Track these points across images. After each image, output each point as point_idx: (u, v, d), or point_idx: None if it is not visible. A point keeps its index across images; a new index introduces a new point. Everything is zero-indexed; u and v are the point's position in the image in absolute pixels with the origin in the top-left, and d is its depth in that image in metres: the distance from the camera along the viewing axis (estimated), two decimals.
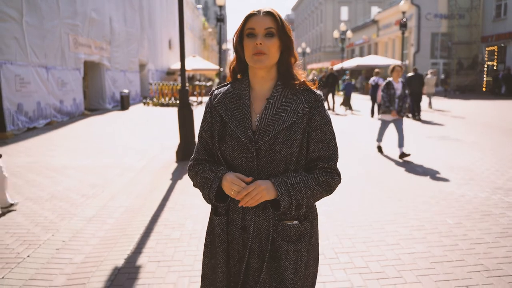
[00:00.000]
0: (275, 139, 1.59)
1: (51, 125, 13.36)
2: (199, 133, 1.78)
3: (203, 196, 1.69)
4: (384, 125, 8.27)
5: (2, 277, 3.40)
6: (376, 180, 6.39)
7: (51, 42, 13.76)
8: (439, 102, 21.89)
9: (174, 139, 9.38)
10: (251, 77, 1.71)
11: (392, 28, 35.76)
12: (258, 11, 1.64)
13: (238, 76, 1.76)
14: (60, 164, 7.71)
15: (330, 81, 17.81)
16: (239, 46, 1.68)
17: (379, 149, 8.57)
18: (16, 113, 11.45)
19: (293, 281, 1.61)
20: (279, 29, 1.62)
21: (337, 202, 5.16)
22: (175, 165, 7.50)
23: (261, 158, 1.60)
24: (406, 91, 8.01)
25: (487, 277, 3.23)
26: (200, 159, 1.75)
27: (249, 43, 1.61)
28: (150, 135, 11.31)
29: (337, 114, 17.01)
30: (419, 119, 14.54)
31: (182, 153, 7.73)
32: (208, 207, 4.87)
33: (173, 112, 16.92)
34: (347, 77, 19.66)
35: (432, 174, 6.65)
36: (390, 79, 8.06)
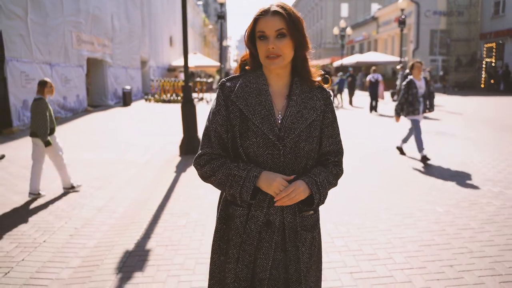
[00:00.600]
0: (299, 137, 1.64)
1: (56, 121, 13.59)
2: (211, 127, 1.71)
3: (229, 193, 1.68)
4: (418, 127, 7.24)
5: (22, 259, 3.67)
6: (371, 173, 6.66)
7: (55, 40, 14.02)
8: (437, 98, 22.12)
9: (176, 135, 9.64)
10: (267, 73, 1.72)
11: (391, 25, 35.94)
12: (266, 11, 1.62)
13: (246, 68, 1.78)
14: (66, 158, 7.97)
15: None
16: (251, 46, 1.69)
17: (424, 159, 7.14)
18: (22, 109, 11.72)
19: (308, 264, 1.72)
20: (289, 27, 1.61)
21: (336, 192, 5.44)
22: (178, 159, 7.76)
23: (286, 154, 1.63)
24: (431, 88, 7.32)
25: (470, 257, 3.51)
26: (215, 153, 1.70)
27: (262, 46, 1.62)
28: (153, 130, 11.57)
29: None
30: None
31: (186, 147, 7.99)
32: (212, 197, 5.16)
33: (174, 108, 17.20)
34: (349, 73, 20.00)
35: (426, 167, 6.91)
36: (410, 77, 7.25)
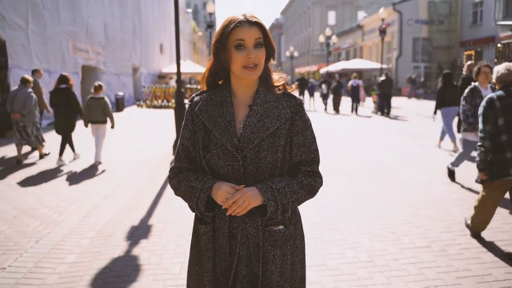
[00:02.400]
0: (260, 146, 1.61)
1: (52, 125, 14.33)
2: (180, 141, 1.74)
3: (189, 205, 1.70)
4: (468, 147, 6.00)
5: (48, 232, 4.49)
6: (347, 171, 7.55)
7: (52, 48, 14.79)
8: (418, 103, 23.22)
9: (168, 137, 10.46)
10: (234, 84, 1.70)
11: (376, 33, 37.07)
12: (243, 21, 1.60)
13: (219, 82, 1.77)
14: (64, 159, 8.77)
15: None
16: (222, 54, 1.64)
17: (451, 174, 6.39)
18: None
19: (279, 284, 1.66)
20: (265, 37, 1.63)
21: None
22: (172, 157, 8.60)
23: (247, 165, 1.61)
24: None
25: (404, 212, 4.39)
26: (182, 167, 1.73)
27: (239, 56, 1.59)
28: (147, 133, 12.38)
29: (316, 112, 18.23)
30: (388, 115, 17.04)
31: None
32: None
33: (165, 113, 18.04)
34: (334, 80, 21.18)
35: (396, 165, 7.83)
36: (476, 84, 5.89)
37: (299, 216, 1.81)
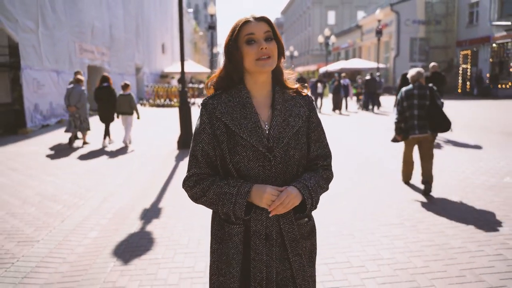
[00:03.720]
0: (288, 145, 1.64)
1: (61, 123, 14.99)
2: (197, 147, 1.68)
3: (222, 211, 1.64)
4: None
5: (71, 214, 5.12)
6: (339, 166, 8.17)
7: (60, 49, 15.43)
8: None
9: (173, 134, 11.08)
10: (250, 84, 1.70)
11: (374, 33, 37.67)
12: (251, 18, 1.65)
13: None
14: (76, 153, 9.41)
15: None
16: (235, 54, 1.64)
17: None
18: (34, 112, 13.11)
19: (311, 273, 1.76)
20: (274, 33, 1.66)
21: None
22: (177, 151, 9.23)
23: (277, 164, 1.63)
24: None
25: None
26: (203, 173, 1.69)
27: (251, 50, 1.61)
28: (152, 130, 13.01)
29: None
30: (372, 111, 18.92)
31: (183, 143, 9.45)
32: None
33: (168, 112, 18.68)
34: (334, 79, 21.84)
35: (382, 159, 8.45)
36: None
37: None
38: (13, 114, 13.30)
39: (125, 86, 10.37)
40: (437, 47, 33.15)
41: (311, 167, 1.75)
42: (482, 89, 28.32)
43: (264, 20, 1.65)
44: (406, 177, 6.25)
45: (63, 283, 3.42)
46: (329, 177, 1.78)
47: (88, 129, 10.21)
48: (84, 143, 10.35)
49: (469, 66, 31.08)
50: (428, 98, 5.69)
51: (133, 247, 4.09)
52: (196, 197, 1.68)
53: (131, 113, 10.19)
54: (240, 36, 1.63)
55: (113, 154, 9.11)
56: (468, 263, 3.56)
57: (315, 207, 1.69)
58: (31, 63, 13.03)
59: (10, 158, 8.72)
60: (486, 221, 4.59)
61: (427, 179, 5.72)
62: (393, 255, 3.79)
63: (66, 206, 5.47)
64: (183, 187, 1.72)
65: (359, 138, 11.21)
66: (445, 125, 5.71)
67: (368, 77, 19.40)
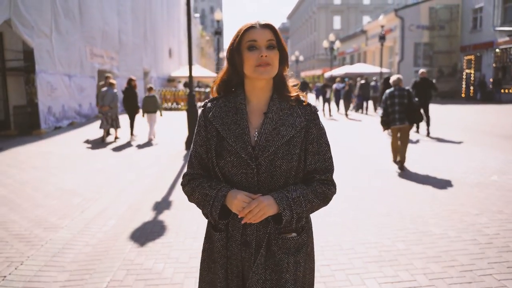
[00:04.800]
0: (275, 155, 1.60)
1: (72, 125, 15.54)
2: (192, 148, 1.74)
3: (203, 213, 1.69)
4: None
5: (89, 206, 5.61)
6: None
7: (72, 54, 16.00)
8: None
9: (180, 135, 11.58)
10: (249, 90, 1.70)
11: (378, 38, 38.13)
12: (256, 24, 1.64)
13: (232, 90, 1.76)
14: (89, 152, 9.93)
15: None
16: (236, 58, 1.65)
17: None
18: (47, 114, 13.67)
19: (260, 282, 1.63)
20: (278, 41, 1.64)
21: None
22: (184, 151, 9.72)
23: (261, 173, 1.60)
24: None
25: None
26: (195, 173, 1.73)
27: (252, 56, 1.61)
28: (160, 132, 13.50)
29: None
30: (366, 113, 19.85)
31: (190, 143, 9.94)
32: None
33: (175, 115, 19.18)
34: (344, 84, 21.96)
35: (378, 156, 8.90)
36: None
37: (311, 223, 1.80)
38: (27, 116, 13.88)
39: (150, 89, 12.39)
40: (441, 52, 33.48)
41: (308, 180, 1.70)
42: (485, 94, 28.64)
43: (268, 27, 1.64)
44: (394, 158, 7.94)
45: (88, 261, 3.90)
46: (324, 192, 1.68)
47: (119, 126, 11.73)
48: (116, 138, 11.79)
49: (472, 71, 31.39)
50: (406, 98, 7.46)
51: (147, 233, 4.57)
52: (187, 195, 1.74)
53: (155, 111, 11.78)
54: (242, 42, 1.63)
55: (127, 153, 9.61)
56: (446, 246, 4.01)
57: (298, 221, 1.64)
58: (45, 67, 13.60)
59: (29, 157, 9.25)
60: (466, 213, 5.03)
61: (402, 159, 7.56)
62: (380, 240, 4.23)
63: (85, 199, 5.96)
64: (180, 184, 1.79)
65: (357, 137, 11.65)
66: (418, 118, 7.59)
67: (362, 81, 20.44)
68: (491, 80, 28.93)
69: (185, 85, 16.84)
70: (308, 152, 1.68)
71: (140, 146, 10.70)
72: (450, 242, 4.12)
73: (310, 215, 1.78)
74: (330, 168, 1.72)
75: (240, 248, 1.66)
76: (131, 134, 12.04)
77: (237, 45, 1.64)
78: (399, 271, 3.54)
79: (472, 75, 31.34)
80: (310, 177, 1.70)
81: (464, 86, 32.05)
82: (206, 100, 1.77)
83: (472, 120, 16.31)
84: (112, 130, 12.02)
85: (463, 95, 31.87)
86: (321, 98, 21.43)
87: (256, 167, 1.60)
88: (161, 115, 12.20)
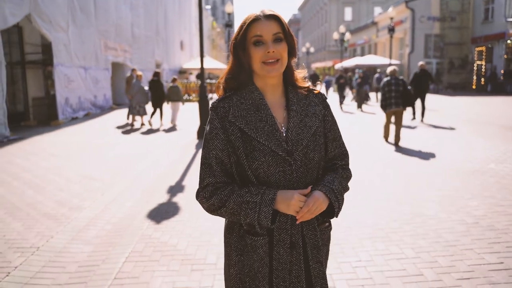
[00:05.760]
0: (307, 147, 1.57)
1: (88, 116, 16.08)
2: (210, 154, 1.58)
3: (245, 222, 1.53)
4: None
5: (102, 194, 6.06)
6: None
7: (87, 47, 16.51)
8: (428, 98, 24.36)
9: (193, 125, 12.02)
10: (261, 86, 1.62)
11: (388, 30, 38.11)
12: (260, 15, 1.55)
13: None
14: (105, 141, 10.41)
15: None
16: (242, 54, 1.58)
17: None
18: (65, 105, 14.21)
19: (326, 278, 1.67)
20: (284, 32, 1.56)
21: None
22: (196, 141, 10.16)
23: (297, 168, 1.56)
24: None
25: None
26: (219, 182, 1.58)
27: (258, 52, 1.54)
28: (163, 123, 13.97)
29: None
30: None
31: (202, 133, 10.36)
32: None
33: (187, 106, 19.60)
34: (357, 75, 21.85)
35: (377, 144, 9.24)
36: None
37: None
38: (45, 107, 14.43)
39: (174, 80, 13.93)
40: (452, 44, 33.39)
41: (330, 167, 1.70)
42: (496, 86, 28.61)
43: (274, 18, 1.56)
44: (386, 136, 9.55)
45: (110, 236, 4.35)
46: (348, 176, 1.72)
47: (145, 113, 13.00)
48: (142, 124, 13.10)
49: (483, 63, 31.33)
50: (401, 86, 8.90)
51: (162, 212, 5.00)
52: (213, 209, 1.58)
53: (179, 100, 13.25)
54: (247, 36, 1.55)
55: (143, 141, 10.08)
56: (435, 226, 4.38)
57: (340, 210, 1.64)
58: (62, 60, 14.11)
59: (49, 145, 9.76)
60: (459, 197, 5.38)
61: (397, 138, 9.06)
62: (375, 220, 4.61)
63: (104, 183, 6.42)
64: (197, 199, 1.62)
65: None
66: (411, 102, 9.40)
67: (356, 75, 20.91)
68: (502, 71, 28.89)
69: (197, 76, 17.28)
70: (328, 140, 1.68)
71: (156, 135, 11.17)
72: (439, 222, 4.48)
73: None
74: (346, 153, 1.76)
75: (289, 252, 1.57)
76: (161, 120, 13.38)
77: (241, 39, 1.57)
78: (390, 246, 3.92)
79: (483, 67, 31.28)
80: (331, 164, 1.71)
81: (475, 77, 32.00)
82: (215, 101, 1.65)
83: (479, 111, 16.49)
84: (137, 117, 13.33)
85: (474, 86, 31.84)
86: (331, 89, 21.74)
87: (293, 162, 1.55)
88: (183, 103, 13.51)
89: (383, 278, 3.30)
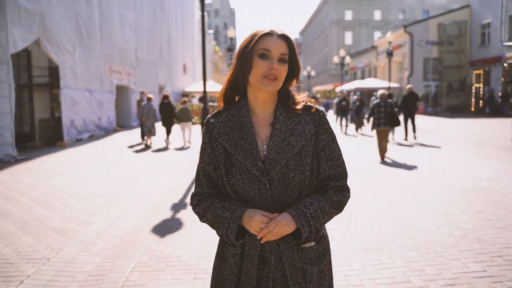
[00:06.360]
0: (287, 167, 1.54)
1: (92, 138, 16.42)
2: (199, 166, 1.67)
3: (218, 234, 1.63)
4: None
5: (108, 210, 6.31)
6: None
7: (93, 70, 16.99)
8: (427, 120, 24.73)
9: (195, 146, 12.32)
10: (252, 101, 1.64)
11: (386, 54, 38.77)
12: (274, 31, 1.59)
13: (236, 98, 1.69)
14: (113, 161, 10.70)
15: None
16: (245, 61, 1.58)
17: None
18: (70, 127, 14.56)
19: None
20: (290, 54, 1.60)
21: None
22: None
23: (274, 188, 1.55)
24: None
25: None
26: (205, 193, 1.67)
27: (262, 65, 1.55)
28: (177, 142, 14.28)
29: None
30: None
31: None
32: None
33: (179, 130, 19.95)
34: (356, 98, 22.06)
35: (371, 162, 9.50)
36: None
37: (326, 229, 1.76)
38: (51, 128, 14.79)
39: (184, 102, 15.02)
40: (450, 67, 33.96)
41: (322, 188, 1.65)
42: (494, 108, 28.99)
43: (285, 39, 1.60)
44: (382, 155, 10.23)
45: (116, 249, 4.58)
46: (340, 199, 1.63)
47: (154, 134, 13.79)
48: (150, 143, 13.78)
49: (481, 85, 31.79)
50: (389, 108, 10.09)
51: (166, 227, 5.24)
52: (199, 216, 1.69)
53: (189, 121, 13.90)
54: (256, 47, 1.57)
55: (147, 161, 10.36)
56: (425, 238, 4.61)
57: (316, 234, 1.63)
58: (68, 83, 14.55)
59: (55, 165, 10.05)
60: (450, 212, 5.61)
61: (384, 153, 10.17)
62: (368, 234, 4.84)
63: (109, 200, 6.68)
64: (190, 205, 1.74)
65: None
66: (397, 123, 10.24)
67: (354, 97, 21.34)
68: (499, 94, 29.31)
69: (200, 99, 17.79)
70: (321, 159, 1.62)
71: (161, 154, 11.46)
72: (429, 235, 4.72)
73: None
74: (344, 174, 1.67)
75: (256, 268, 1.59)
76: (167, 139, 14.06)
77: (249, 49, 1.58)
78: (381, 257, 4.14)
79: (481, 89, 31.73)
80: (324, 184, 1.65)
81: (473, 100, 32.42)
82: (209, 116, 1.70)
83: (476, 132, 16.79)
84: (145, 137, 14.09)
85: (472, 109, 32.22)
86: (331, 112, 22.14)
87: (268, 182, 1.54)
88: (193, 123, 14.38)
89: (374, 285, 3.53)
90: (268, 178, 1.54)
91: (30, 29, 12.06)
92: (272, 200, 1.56)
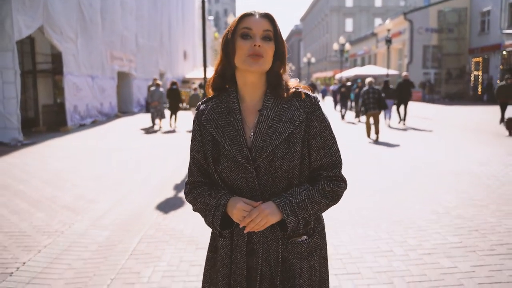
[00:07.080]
0: (274, 155, 1.48)
1: (95, 123, 16.73)
2: (190, 154, 1.65)
3: (206, 223, 1.59)
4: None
5: (115, 190, 6.66)
6: None
7: (95, 57, 17.22)
8: (424, 106, 25.02)
9: None
10: (241, 86, 1.58)
11: (385, 41, 38.85)
12: (254, 12, 1.52)
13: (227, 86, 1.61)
14: (114, 147, 11.04)
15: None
16: (231, 49, 1.51)
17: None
18: (73, 112, 14.88)
19: None
20: (275, 33, 1.52)
21: None
22: None
23: (261, 176, 1.50)
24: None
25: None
26: (196, 181, 1.64)
27: (244, 45, 1.48)
28: (179, 127, 14.61)
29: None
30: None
31: None
32: None
33: (191, 114, 20.24)
34: (356, 85, 22.07)
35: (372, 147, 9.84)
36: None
37: (324, 223, 1.68)
38: (55, 114, 15.11)
39: (195, 89, 16.28)
40: (450, 54, 34.12)
41: (314, 178, 1.58)
42: (492, 95, 29.19)
43: (267, 17, 1.52)
44: (368, 133, 11.52)
45: (123, 224, 4.95)
46: (333, 190, 1.55)
47: (164, 117, 14.75)
48: (160, 127, 14.72)
49: (480, 73, 32.00)
50: (377, 94, 11.13)
51: (170, 205, 5.61)
52: (191, 204, 1.67)
53: None
54: (237, 29, 1.51)
55: (151, 144, 10.71)
56: (410, 214, 4.97)
57: (305, 226, 1.52)
58: (71, 70, 14.82)
59: (61, 149, 10.40)
60: (435, 192, 5.97)
61: (377, 133, 11.22)
62: (359, 210, 5.20)
63: (116, 181, 7.04)
64: (184, 193, 1.72)
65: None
66: (384, 106, 11.26)
67: (349, 83, 20.57)
68: (498, 81, 29.52)
69: (200, 86, 18.03)
70: (312, 148, 1.54)
71: (166, 137, 11.81)
72: (414, 211, 5.08)
73: (323, 214, 1.66)
74: (337, 163, 1.58)
75: (245, 259, 1.55)
76: (175, 123, 14.94)
77: (232, 33, 1.52)
78: (368, 230, 4.51)
79: (480, 77, 31.95)
80: (317, 174, 1.57)
81: (472, 87, 32.67)
82: (199, 103, 1.67)
83: (472, 119, 17.10)
84: (157, 121, 14.90)
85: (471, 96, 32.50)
86: (328, 98, 22.43)
87: (255, 170, 1.49)
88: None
89: (359, 253, 3.89)
90: (254, 166, 1.49)
91: (34, 17, 12.29)
92: (260, 190, 1.51)
